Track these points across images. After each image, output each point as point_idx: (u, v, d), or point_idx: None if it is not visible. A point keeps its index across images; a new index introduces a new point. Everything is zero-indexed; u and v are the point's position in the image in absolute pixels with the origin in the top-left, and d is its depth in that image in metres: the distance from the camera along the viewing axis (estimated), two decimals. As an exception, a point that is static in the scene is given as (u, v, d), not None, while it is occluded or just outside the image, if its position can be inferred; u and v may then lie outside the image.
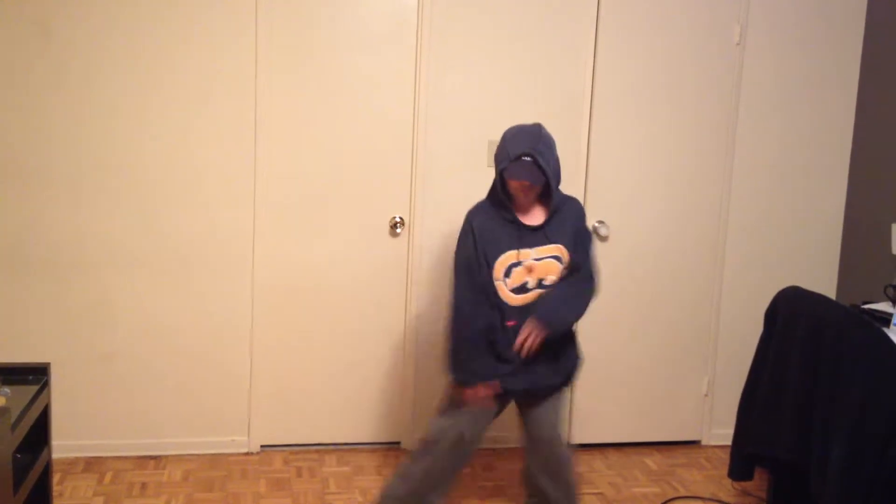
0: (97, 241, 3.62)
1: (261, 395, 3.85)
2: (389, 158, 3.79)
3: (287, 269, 3.78)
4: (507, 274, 2.84)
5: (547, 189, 2.85)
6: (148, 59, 3.56)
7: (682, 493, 3.70)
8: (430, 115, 3.77)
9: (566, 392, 3.03)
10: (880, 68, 4.01)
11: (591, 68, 3.87)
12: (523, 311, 2.84)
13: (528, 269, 2.84)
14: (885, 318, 3.17)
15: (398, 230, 3.84)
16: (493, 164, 3.81)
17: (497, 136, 3.80)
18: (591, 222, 3.94)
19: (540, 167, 2.76)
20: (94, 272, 3.64)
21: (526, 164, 2.76)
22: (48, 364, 2.87)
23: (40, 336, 3.64)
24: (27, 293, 3.60)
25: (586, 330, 4.02)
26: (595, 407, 4.09)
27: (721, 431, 4.17)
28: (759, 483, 3.66)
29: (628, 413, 4.12)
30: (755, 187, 4.09)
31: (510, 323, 2.85)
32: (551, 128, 3.85)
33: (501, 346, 2.85)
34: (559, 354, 2.93)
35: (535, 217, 2.89)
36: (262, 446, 3.91)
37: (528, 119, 3.83)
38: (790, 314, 2.97)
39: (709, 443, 4.22)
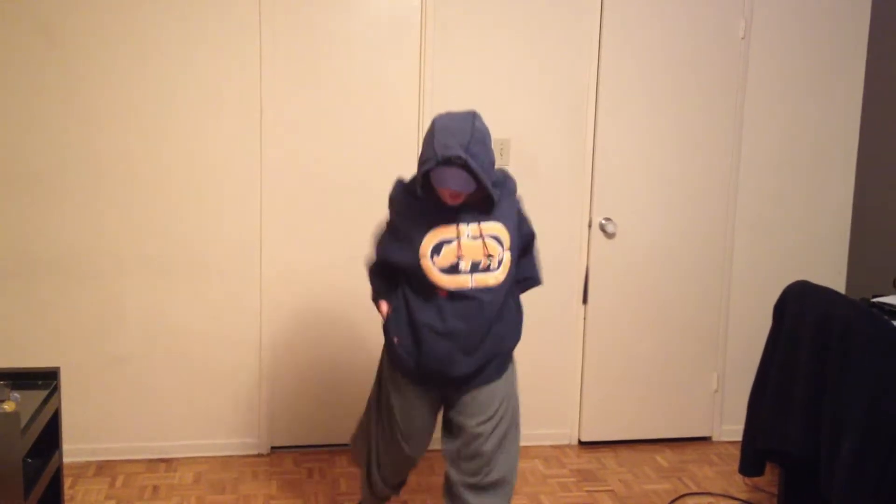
0: (106, 245, 3.63)
1: (271, 397, 3.86)
2: (395, 160, 3.79)
3: (295, 271, 3.79)
4: (437, 250, 2.54)
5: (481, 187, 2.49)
6: (155, 65, 3.57)
7: (694, 489, 3.69)
8: (435, 114, 3.76)
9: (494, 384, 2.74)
10: (886, 61, 3.99)
11: (596, 65, 3.86)
12: (456, 295, 2.55)
13: (460, 248, 2.53)
14: (894, 312, 3.16)
15: (405, 230, 3.83)
16: (498, 162, 3.85)
17: (503, 135, 3.84)
18: (597, 219, 3.94)
19: (472, 172, 2.40)
20: (104, 277, 3.65)
21: (455, 171, 2.39)
22: (58, 368, 2.89)
23: (50, 340, 3.65)
24: (36, 298, 3.62)
25: (594, 327, 4.01)
26: (605, 404, 4.08)
27: (731, 427, 4.16)
28: (770, 478, 3.65)
29: (639, 410, 4.12)
30: (762, 182, 4.08)
31: (442, 293, 2.56)
32: (556, 124, 3.88)
33: (426, 318, 2.58)
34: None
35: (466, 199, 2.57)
36: (272, 448, 3.91)
37: (536, 118, 3.85)
38: (799, 309, 2.96)
39: (719, 439, 4.21)
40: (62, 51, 3.50)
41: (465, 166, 2.39)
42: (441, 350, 2.59)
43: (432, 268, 2.55)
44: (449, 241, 2.54)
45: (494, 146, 3.79)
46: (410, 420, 2.77)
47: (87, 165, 3.58)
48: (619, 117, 3.90)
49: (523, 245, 2.77)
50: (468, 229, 2.55)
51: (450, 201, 2.51)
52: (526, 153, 3.87)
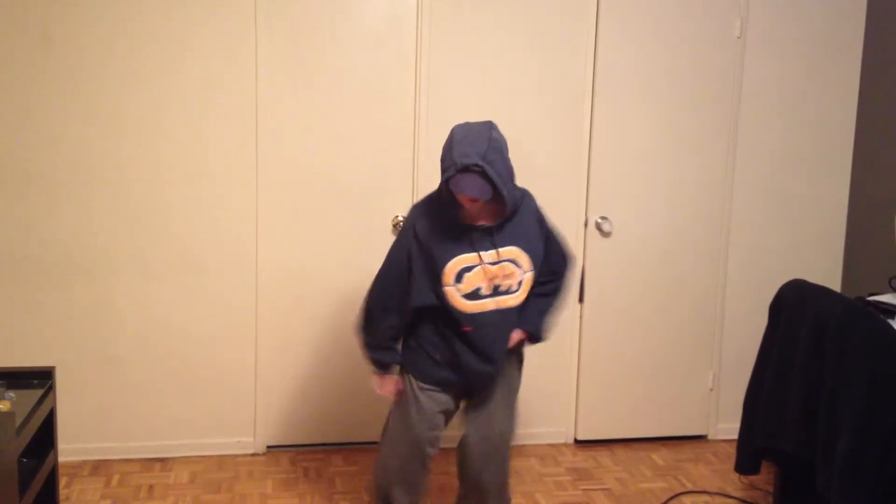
0: (101, 244, 3.63)
1: (266, 396, 3.86)
2: (391, 158, 3.79)
3: (291, 270, 3.78)
4: (459, 279, 2.64)
5: (499, 195, 2.60)
6: (150, 63, 3.56)
7: (690, 487, 3.69)
8: (431, 114, 3.77)
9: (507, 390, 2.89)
10: (882, 59, 3.99)
11: (592, 63, 3.86)
12: (478, 319, 2.67)
13: (482, 274, 2.65)
14: (890, 310, 3.16)
15: (401, 229, 3.83)
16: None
17: (499, 133, 3.82)
18: (593, 218, 3.94)
19: (489, 179, 2.51)
20: (99, 276, 3.64)
21: (473, 177, 2.50)
22: (53, 368, 2.88)
23: (45, 340, 3.64)
24: (31, 297, 3.61)
25: (589, 326, 4.02)
26: (601, 403, 4.08)
27: (727, 426, 4.17)
28: (766, 477, 3.65)
29: (634, 409, 4.12)
30: (758, 180, 4.08)
31: (466, 329, 2.68)
32: (552, 123, 3.88)
33: (452, 351, 2.72)
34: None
35: (486, 218, 2.68)
36: (268, 447, 3.91)
37: (532, 117, 3.85)
38: (795, 307, 2.97)
39: (715, 437, 4.22)
40: (56, 49, 3.49)
41: (483, 174, 2.49)
42: (479, 368, 2.74)
43: (456, 294, 2.65)
44: (469, 269, 2.65)
45: (490, 145, 3.82)
46: (425, 413, 2.82)
47: (81, 164, 3.57)
48: (615, 116, 3.90)
49: (547, 272, 2.83)
50: (487, 256, 2.65)
51: (467, 205, 2.61)
52: (522, 152, 3.86)
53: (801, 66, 4.04)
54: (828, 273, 4.19)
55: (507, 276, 2.68)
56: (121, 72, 3.54)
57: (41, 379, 2.87)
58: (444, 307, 2.68)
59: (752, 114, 4.03)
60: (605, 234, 3.96)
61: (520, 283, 2.70)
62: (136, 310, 3.69)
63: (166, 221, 3.66)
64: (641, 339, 4.07)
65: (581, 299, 4.01)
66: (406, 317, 2.74)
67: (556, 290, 2.88)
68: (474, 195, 2.51)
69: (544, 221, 2.81)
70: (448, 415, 2.86)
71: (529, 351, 3.98)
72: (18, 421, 2.54)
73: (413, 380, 2.80)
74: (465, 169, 2.49)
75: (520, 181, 3.86)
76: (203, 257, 3.72)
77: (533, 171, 3.88)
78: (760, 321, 3.26)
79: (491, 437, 2.84)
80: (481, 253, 2.64)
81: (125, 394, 3.74)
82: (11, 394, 2.69)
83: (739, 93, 3.99)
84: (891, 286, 3.51)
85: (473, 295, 2.66)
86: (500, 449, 2.87)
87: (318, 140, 3.73)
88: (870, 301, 3.31)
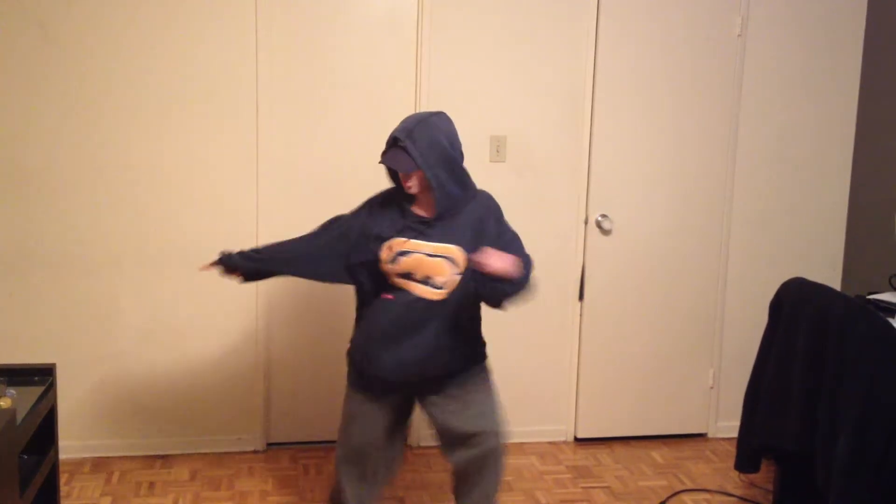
0: (103, 242, 3.63)
1: (267, 394, 3.86)
2: (392, 155, 3.79)
3: (291, 267, 3.78)
4: (394, 261, 2.65)
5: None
6: (150, 61, 3.56)
7: (689, 485, 3.70)
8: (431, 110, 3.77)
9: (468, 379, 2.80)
10: (882, 58, 3.99)
11: (592, 61, 3.86)
12: (400, 295, 2.67)
13: (416, 262, 2.64)
14: (889, 309, 3.16)
15: (401, 227, 3.83)
16: (495, 159, 3.86)
17: (499, 131, 3.84)
18: (593, 216, 3.94)
19: (411, 155, 2.56)
20: (99, 273, 3.64)
21: (395, 151, 2.60)
22: (54, 365, 2.88)
23: (46, 337, 3.65)
24: (33, 294, 3.61)
25: (589, 324, 4.02)
26: (601, 401, 4.09)
27: (727, 424, 4.17)
28: (765, 475, 3.66)
29: (634, 407, 4.12)
30: (758, 179, 4.08)
31: (387, 296, 2.69)
32: (553, 121, 3.88)
33: (372, 317, 2.72)
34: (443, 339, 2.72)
35: (430, 211, 2.69)
36: (268, 444, 3.91)
37: (532, 114, 3.85)
38: (795, 305, 2.97)
39: (715, 435, 4.22)
40: (58, 46, 3.49)
41: (405, 150, 2.57)
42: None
43: (389, 269, 2.67)
44: (406, 253, 2.64)
45: (491, 143, 3.82)
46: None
47: (83, 161, 3.57)
48: (615, 114, 3.90)
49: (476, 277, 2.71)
50: (422, 245, 2.65)
51: (407, 186, 2.64)
52: (522, 150, 3.87)
53: (801, 63, 4.04)
54: (828, 271, 4.19)
55: (437, 272, 2.65)
56: (122, 69, 3.54)
57: (42, 376, 2.87)
58: (375, 271, 2.70)
59: (752, 112, 4.03)
60: (606, 232, 3.96)
61: (443, 283, 2.66)
62: (138, 307, 3.70)
63: (168, 219, 3.67)
64: (641, 337, 4.07)
65: (581, 297, 4.01)
66: (372, 268, 2.72)
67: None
68: (394, 167, 2.58)
69: (502, 221, 2.76)
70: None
71: (530, 350, 4.00)
72: (19, 417, 2.54)
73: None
74: (393, 144, 2.60)
75: (521, 180, 3.90)
76: (205, 254, 3.70)
77: (533, 169, 3.88)
78: (760, 319, 3.26)
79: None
80: (415, 241, 2.65)
81: (126, 391, 3.74)
82: (12, 390, 2.69)
83: (740, 90, 3.99)
84: (891, 285, 3.51)
85: (405, 276, 2.66)
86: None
87: (318, 138, 3.73)
88: (870, 299, 3.31)
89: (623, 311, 4.04)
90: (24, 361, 3.56)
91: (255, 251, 2.85)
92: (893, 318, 3.00)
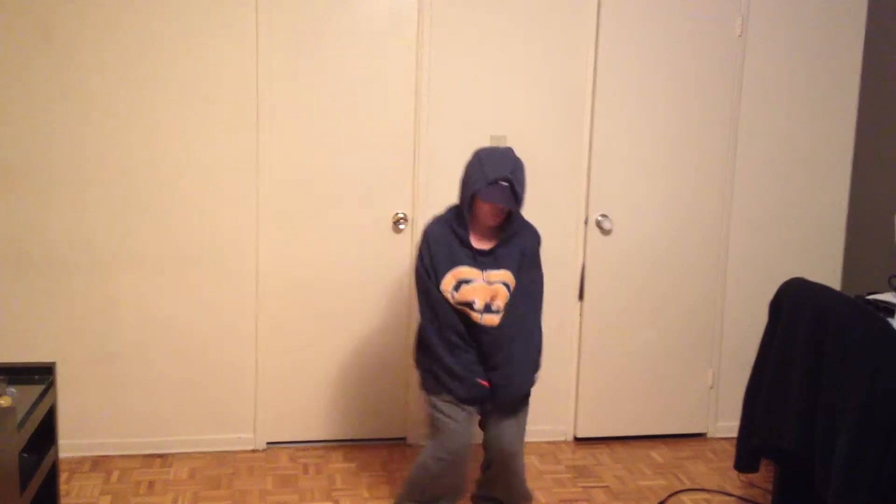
0: (102, 241, 3.63)
1: (266, 393, 3.86)
2: (392, 155, 3.79)
3: (291, 266, 3.79)
4: (457, 288, 2.90)
5: (508, 215, 2.93)
6: (150, 60, 3.56)
7: (689, 485, 3.70)
8: (432, 111, 3.77)
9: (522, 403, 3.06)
10: (883, 59, 3.99)
11: (593, 61, 3.86)
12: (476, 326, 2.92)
13: (480, 289, 2.90)
14: (889, 309, 3.16)
15: (401, 226, 3.84)
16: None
17: (499, 131, 3.84)
18: (593, 216, 3.94)
19: (515, 193, 2.84)
20: (99, 272, 3.65)
21: (503, 188, 2.82)
22: (54, 364, 2.88)
23: (46, 336, 3.65)
24: (33, 293, 3.61)
25: (589, 323, 4.02)
26: (601, 401, 4.09)
27: (727, 424, 4.17)
28: (765, 475, 3.66)
29: (634, 406, 4.12)
30: (758, 179, 4.08)
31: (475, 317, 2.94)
32: (553, 121, 3.88)
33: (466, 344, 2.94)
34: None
35: (486, 242, 2.96)
36: (268, 443, 3.91)
37: (533, 114, 3.85)
38: (794, 306, 2.97)
39: (714, 435, 4.22)
40: (55, 43, 3.49)
41: (511, 187, 2.83)
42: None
43: (450, 298, 2.91)
44: (468, 282, 2.90)
45: (491, 143, 3.82)
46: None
47: (81, 160, 3.57)
48: (615, 114, 3.90)
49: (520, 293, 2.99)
50: (485, 275, 2.91)
51: (490, 219, 2.89)
52: (523, 150, 3.85)
53: (801, 64, 4.04)
54: (827, 272, 4.19)
55: (498, 296, 2.91)
56: (119, 66, 3.54)
57: (42, 374, 2.87)
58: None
59: (752, 112, 4.03)
60: (606, 232, 3.96)
61: (503, 305, 2.93)
62: (137, 306, 3.70)
63: (167, 218, 3.67)
64: (641, 337, 4.08)
65: (581, 297, 4.01)
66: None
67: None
68: (504, 204, 2.80)
69: (536, 258, 3.02)
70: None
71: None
72: (19, 416, 2.55)
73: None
74: (494, 182, 2.81)
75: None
76: (203, 254, 3.73)
77: (534, 170, 3.87)
78: (760, 319, 3.26)
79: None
80: (481, 270, 2.90)
81: (125, 389, 3.74)
82: (12, 389, 2.69)
83: (740, 91, 3.99)
84: (890, 285, 3.51)
85: (467, 306, 2.90)
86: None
87: (318, 137, 3.73)
88: (869, 300, 3.31)
89: (623, 311, 4.04)
90: (24, 360, 3.56)
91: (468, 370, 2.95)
92: (893, 318, 3.01)
